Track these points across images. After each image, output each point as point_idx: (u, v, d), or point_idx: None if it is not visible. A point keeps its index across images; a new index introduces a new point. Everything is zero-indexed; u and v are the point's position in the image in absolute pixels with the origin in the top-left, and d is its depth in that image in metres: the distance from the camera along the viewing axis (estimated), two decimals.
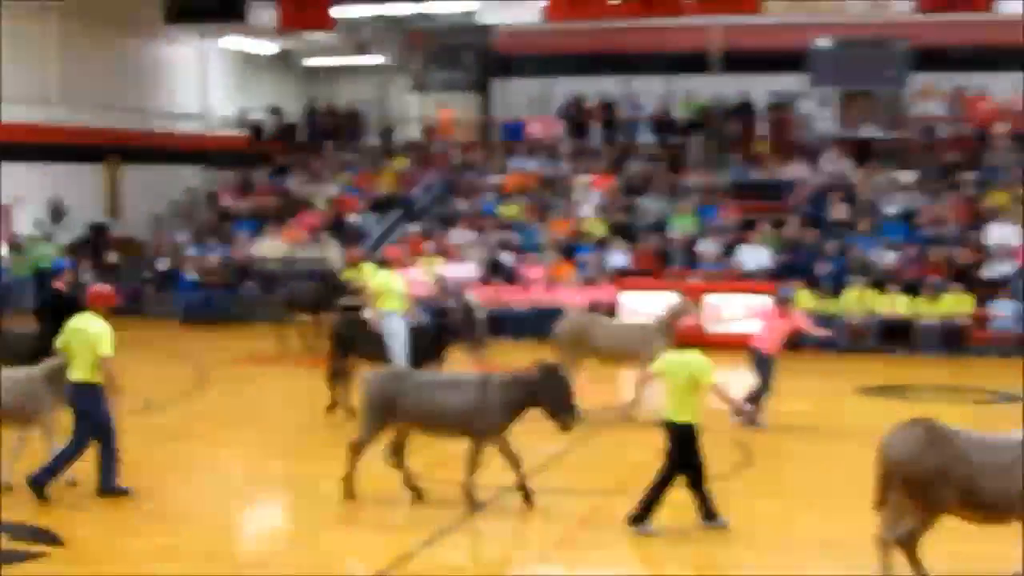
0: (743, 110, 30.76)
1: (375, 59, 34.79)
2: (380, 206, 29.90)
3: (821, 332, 17.39)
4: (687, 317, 15.78)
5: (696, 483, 10.93)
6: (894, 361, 21.97)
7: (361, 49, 34.52)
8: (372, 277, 18.16)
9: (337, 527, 11.29)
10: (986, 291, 23.66)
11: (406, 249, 25.76)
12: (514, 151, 31.45)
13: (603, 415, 15.04)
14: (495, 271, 25.70)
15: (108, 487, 11.84)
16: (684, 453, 10.85)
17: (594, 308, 22.40)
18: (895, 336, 22.92)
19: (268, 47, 35.80)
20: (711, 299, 23.07)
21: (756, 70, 30.29)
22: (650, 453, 11.29)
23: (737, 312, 22.34)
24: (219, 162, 33.61)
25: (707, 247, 25.56)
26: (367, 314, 17.00)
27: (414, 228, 27.91)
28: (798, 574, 9.67)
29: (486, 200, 29.23)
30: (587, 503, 12.18)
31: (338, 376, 16.25)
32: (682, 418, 10.81)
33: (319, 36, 33.71)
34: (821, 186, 27.51)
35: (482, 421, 11.62)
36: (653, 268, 25.48)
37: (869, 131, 29.90)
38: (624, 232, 26.90)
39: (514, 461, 11.66)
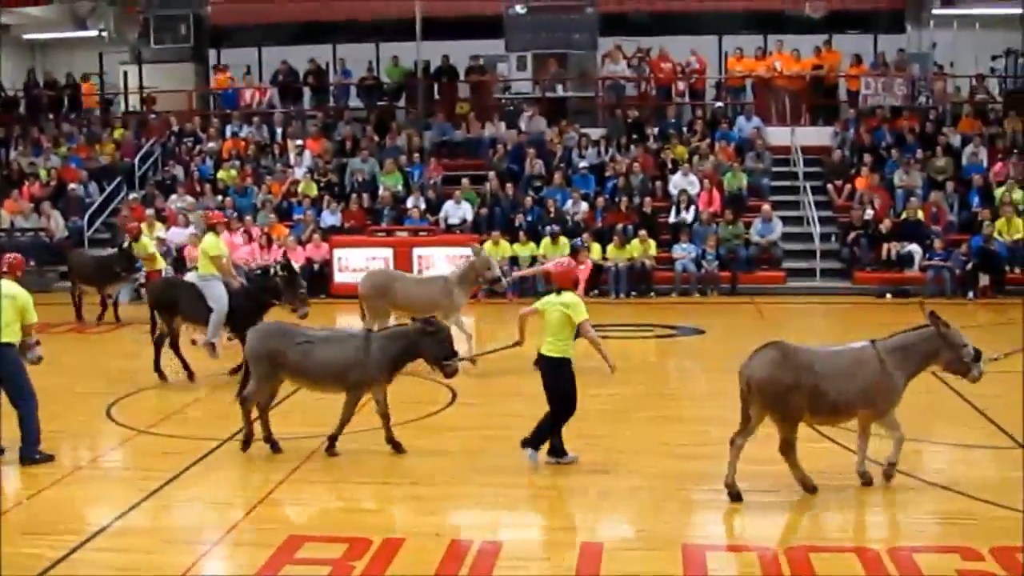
0: (445, 74, 31.69)
1: (93, 32, 34.66)
2: (101, 175, 30.11)
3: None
4: (488, 270, 17.11)
5: (558, 417, 11.73)
6: (587, 302, 23.38)
7: (79, 22, 34.46)
8: (149, 246, 19.34)
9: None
10: (668, 236, 25.89)
11: (129, 215, 26.32)
12: (230, 118, 32.05)
13: None
14: None
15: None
16: (558, 385, 11.69)
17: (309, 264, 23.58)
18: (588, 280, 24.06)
19: None
20: (418, 252, 24.54)
21: (456, 36, 31.04)
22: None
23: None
24: None
25: (414, 203, 26.86)
26: (190, 277, 17.07)
27: (135, 195, 28.32)
28: None
29: (204, 166, 29.78)
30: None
31: (162, 339, 16.34)
32: (555, 352, 11.69)
33: (37, 10, 33.56)
34: (518, 143, 28.96)
35: (363, 374, 12.11)
36: (364, 225, 26.54)
37: (562, 91, 31.43)
38: (335, 192, 28.02)
39: (386, 415, 12.22)
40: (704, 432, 12.93)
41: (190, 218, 25.86)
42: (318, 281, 23.82)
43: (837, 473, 11.57)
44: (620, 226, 25.33)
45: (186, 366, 16.29)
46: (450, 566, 9.12)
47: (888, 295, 23.81)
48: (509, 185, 27.06)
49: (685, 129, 29.63)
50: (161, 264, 22.19)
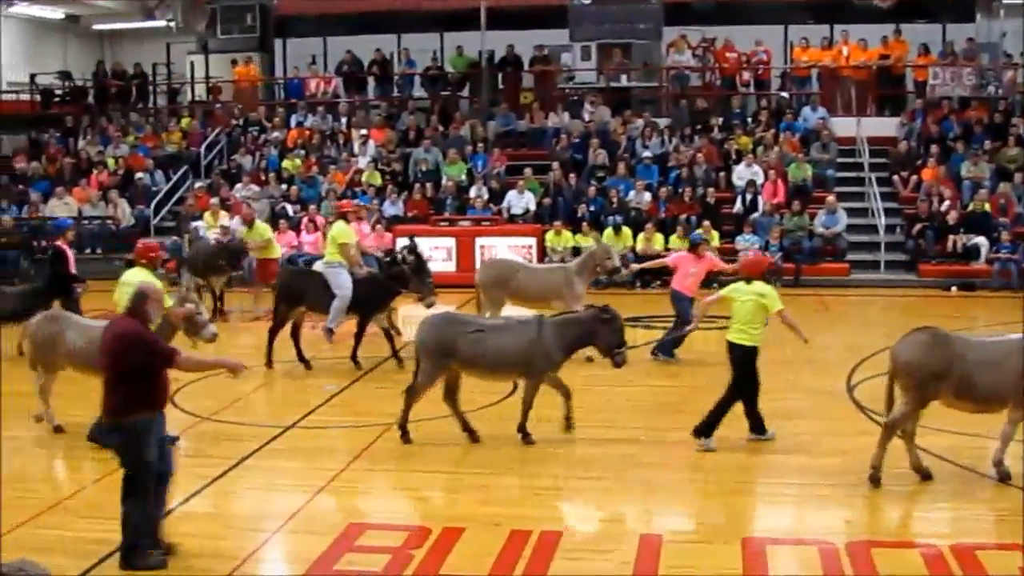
0: (509, 64, 31.69)
1: (161, 22, 35.04)
2: (167, 164, 30.34)
3: (731, 268, 16.82)
4: (608, 260, 17.08)
5: (750, 401, 12.12)
6: (649, 295, 23.14)
7: (148, 13, 34.89)
8: (265, 234, 19.63)
9: None
10: (732, 226, 25.76)
11: (194, 203, 26.61)
12: (295, 108, 32.14)
13: None
14: (279, 222, 26.34)
15: None
16: (744, 373, 12.03)
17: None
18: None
19: (57, 13, 36.01)
20: (481, 241, 24.60)
21: (521, 26, 31.15)
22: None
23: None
24: (10, 127, 33.52)
25: (476, 193, 26.94)
26: (317, 266, 17.14)
27: (200, 184, 28.57)
28: None
29: (269, 155, 29.93)
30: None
31: (279, 328, 16.39)
32: (745, 340, 11.99)
33: (106, 1, 33.96)
34: (581, 133, 28.94)
35: (542, 361, 12.24)
36: (427, 215, 26.61)
37: (626, 81, 31.39)
38: (399, 181, 28.10)
39: (566, 392, 12.36)
40: (767, 425, 12.86)
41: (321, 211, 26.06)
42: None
43: (898, 467, 11.48)
44: (683, 217, 25.25)
45: (301, 357, 16.29)
46: (509, 556, 9.14)
47: (953, 288, 23.57)
48: (572, 175, 27.07)
49: (749, 119, 29.52)
50: (277, 252, 22.21)
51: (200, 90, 34.72)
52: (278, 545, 9.56)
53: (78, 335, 12.49)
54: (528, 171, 27.26)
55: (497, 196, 26.85)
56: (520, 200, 26.31)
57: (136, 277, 12.15)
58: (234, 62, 33.33)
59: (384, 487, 11.25)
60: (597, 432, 12.78)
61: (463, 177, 27.80)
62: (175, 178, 29.60)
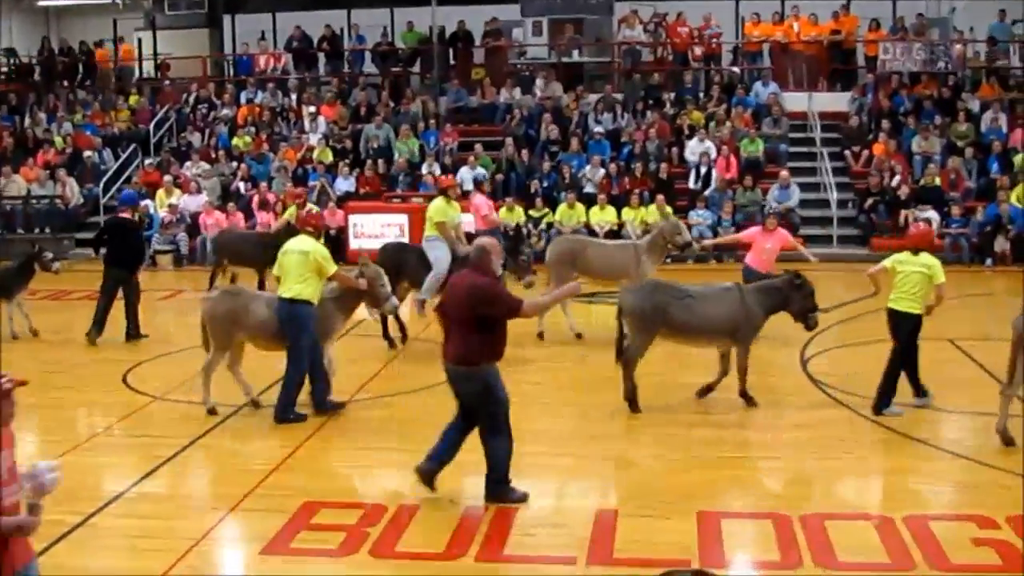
0: (460, 39, 31.50)
1: None
2: (116, 142, 30.05)
3: (804, 251, 17.87)
4: (679, 237, 16.89)
5: (911, 366, 12.46)
6: (722, 270, 22.81)
7: None
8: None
9: None
10: (685, 202, 25.79)
11: (140, 181, 26.42)
12: (245, 84, 31.93)
13: None
14: (230, 200, 26.31)
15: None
16: (911, 340, 12.34)
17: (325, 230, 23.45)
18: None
19: None
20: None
21: (472, 1, 31.12)
22: None
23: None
24: None
25: (428, 169, 26.80)
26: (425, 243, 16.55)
27: (150, 162, 28.31)
28: None
29: (219, 132, 29.70)
30: None
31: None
32: (913, 309, 12.25)
33: None
34: (533, 108, 28.89)
35: (748, 328, 12.64)
36: (379, 191, 26.50)
37: (578, 56, 31.36)
38: (350, 158, 27.94)
39: (737, 368, 12.71)
40: (728, 400, 12.91)
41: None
42: (334, 247, 23.72)
43: (853, 441, 11.57)
44: (636, 192, 25.27)
45: (402, 327, 16.27)
46: (465, 533, 9.14)
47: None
48: (525, 151, 27.04)
49: (701, 95, 29.53)
50: None
51: (148, 67, 34.39)
52: (233, 525, 9.48)
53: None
54: (480, 147, 27.17)
55: (449, 172, 26.74)
56: (472, 176, 26.17)
57: (303, 244, 12.46)
58: None
59: (339, 465, 11.20)
60: (554, 408, 12.80)
61: (415, 153, 27.67)
62: (124, 156, 29.29)
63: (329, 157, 27.70)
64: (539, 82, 29.97)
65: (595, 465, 10.55)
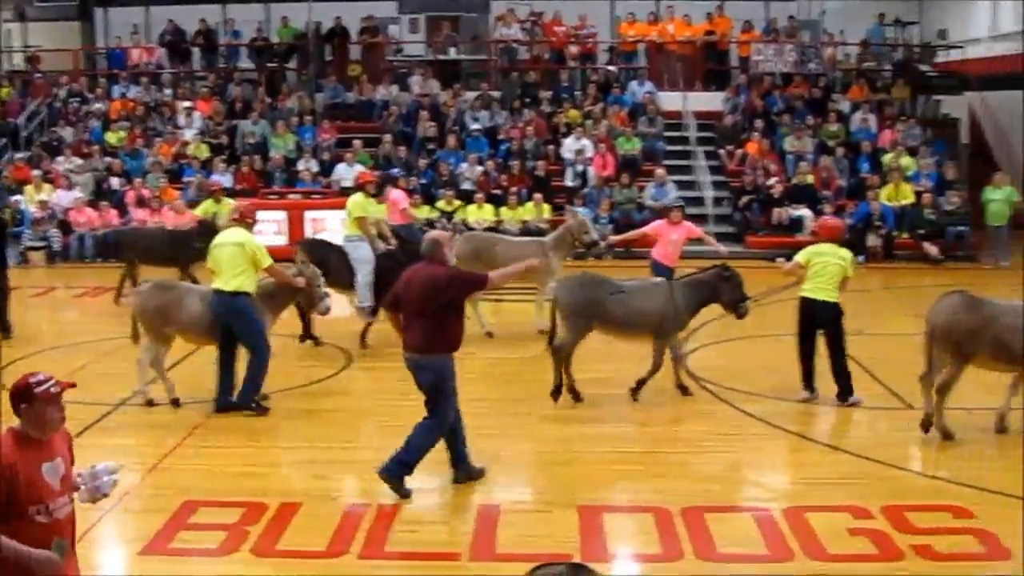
0: (337, 35, 31.21)
1: None
2: None
3: (711, 241, 17.57)
4: (586, 235, 16.85)
5: (832, 357, 12.69)
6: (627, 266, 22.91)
7: None
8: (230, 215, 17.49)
9: None
10: (563, 199, 25.89)
11: (13, 176, 25.83)
12: (117, 79, 31.37)
13: None
14: (102, 196, 25.85)
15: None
16: (839, 326, 12.63)
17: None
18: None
19: None
20: (311, 215, 24.35)
21: None
22: None
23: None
24: None
25: (305, 166, 26.61)
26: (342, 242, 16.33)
27: (20, 156, 27.70)
28: None
29: (92, 127, 29.08)
30: None
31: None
32: (831, 298, 12.57)
33: None
34: (411, 105, 28.76)
35: (676, 322, 12.88)
36: (255, 188, 26.14)
37: (455, 53, 31.25)
38: (226, 154, 27.57)
39: (672, 358, 13.01)
40: (608, 395, 13.01)
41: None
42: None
43: (733, 435, 11.73)
44: (514, 189, 25.34)
45: (309, 334, 15.89)
46: (346, 529, 9.10)
47: (780, 259, 23.94)
48: (402, 148, 26.92)
49: (578, 93, 29.68)
50: None
51: (18, 59, 33.65)
52: (112, 525, 9.30)
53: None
54: (358, 143, 27.01)
55: (326, 169, 26.60)
56: (350, 172, 25.95)
57: (237, 236, 12.39)
58: None
59: (218, 463, 11.03)
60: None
61: (292, 149, 27.45)
62: None
63: (205, 153, 27.31)
64: (416, 79, 29.86)
65: (477, 461, 10.55)
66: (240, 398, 12.34)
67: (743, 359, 14.43)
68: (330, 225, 23.36)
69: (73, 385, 5.92)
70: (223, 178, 26.01)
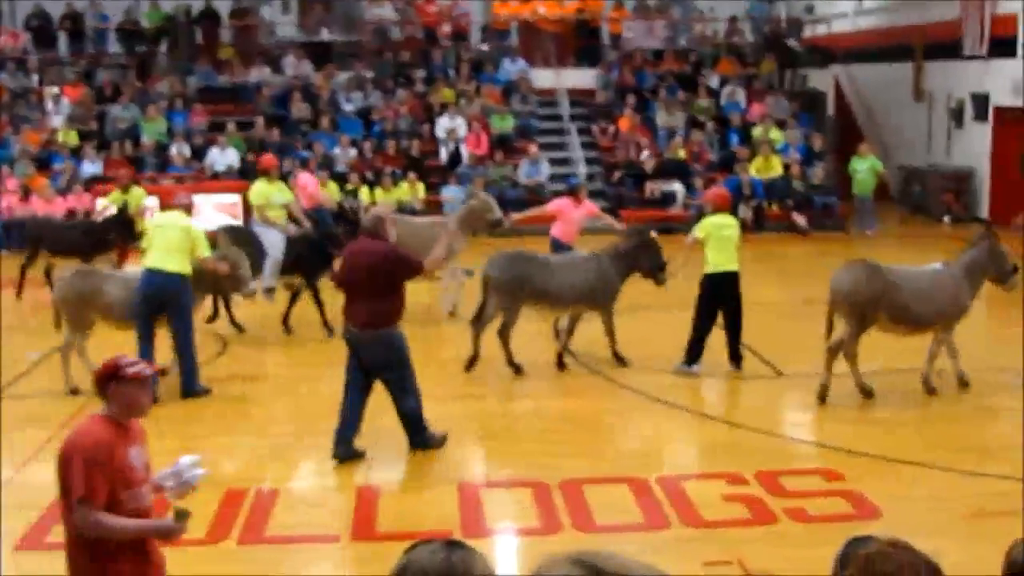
0: (207, 18, 30.87)
1: None
2: None
3: (609, 219, 17.17)
4: (489, 214, 16.64)
5: (734, 324, 12.97)
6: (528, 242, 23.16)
7: None
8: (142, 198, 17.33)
9: None
10: (437, 179, 25.95)
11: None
12: None
13: None
14: None
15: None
16: (732, 298, 12.87)
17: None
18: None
19: None
20: (192, 198, 24.00)
21: None
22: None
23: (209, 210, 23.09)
24: None
25: (178, 151, 26.29)
26: (253, 226, 16.23)
27: None
28: None
29: None
30: None
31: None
32: (730, 267, 12.81)
33: None
34: (283, 88, 28.60)
35: (609, 293, 13.12)
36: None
37: (327, 34, 31.12)
38: (96, 140, 27.18)
39: (611, 330, 13.29)
40: (482, 375, 13.11)
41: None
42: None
43: (608, 408, 11.90)
44: (388, 169, 25.28)
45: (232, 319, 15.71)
46: (226, 516, 9.07)
47: (653, 232, 24.32)
48: (276, 130, 26.71)
49: (451, 72, 29.71)
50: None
51: None
52: None
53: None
54: (231, 127, 26.75)
55: (199, 153, 26.31)
56: (223, 156, 25.82)
57: (181, 220, 12.33)
58: None
59: None
60: (314, 386, 12.73)
61: (163, 134, 27.09)
62: None
63: (74, 139, 26.82)
64: (289, 61, 29.64)
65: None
66: (189, 388, 12.27)
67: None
68: (203, 210, 23.18)
69: (165, 372, 5.86)
70: (93, 165, 25.65)
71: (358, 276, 10.12)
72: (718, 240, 12.84)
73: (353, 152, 25.98)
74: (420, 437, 10.44)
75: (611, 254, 13.38)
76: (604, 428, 11.40)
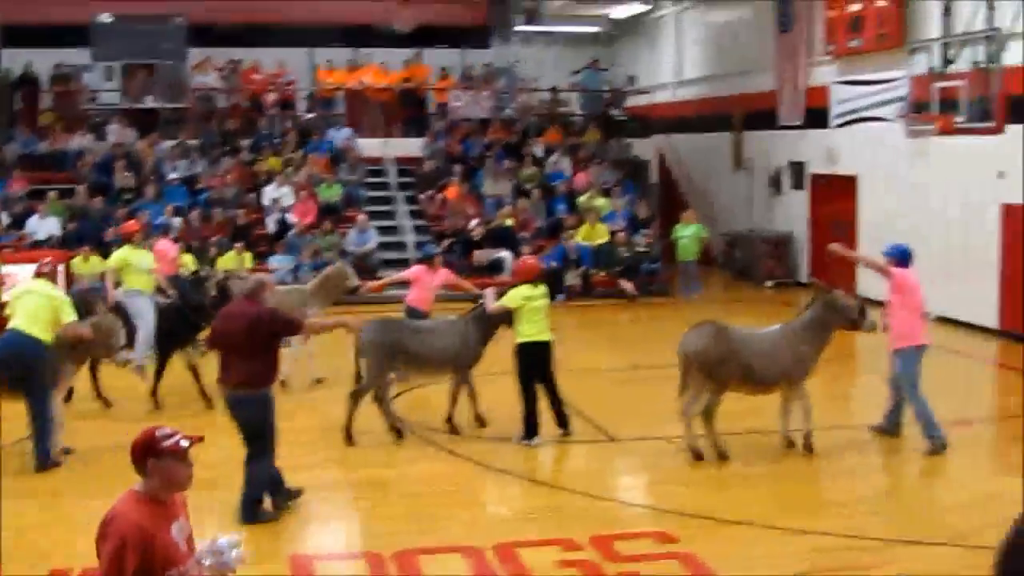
0: (27, 83, 30.27)
1: None
2: None
3: (468, 285, 16.99)
4: (347, 281, 16.73)
5: (551, 390, 13.09)
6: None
7: None
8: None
9: None
10: (265, 247, 25.73)
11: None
12: None
13: None
14: None
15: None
16: (546, 366, 12.91)
17: None
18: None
19: None
20: (6, 269, 23.45)
21: (40, 44, 29.73)
22: None
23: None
24: None
25: None
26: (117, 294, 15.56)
27: None
28: None
29: None
30: None
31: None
32: (542, 337, 12.86)
33: None
34: (106, 155, 28.10)
35: (469, 357, 13.31)
36: None
37: (151, 102, 30.72)
38: None
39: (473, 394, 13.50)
40: (311, 442, 13.02)
41: None
42: None
43: (439, 475, 11.91)
44: (215, 239, 25.02)
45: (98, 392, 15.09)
46: None
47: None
48: (99, 198, 26.22)
49: (278, 140, 29.60)
50: None
51: None
52: None
53: None
54: (52, 194, 26.15)
55: (19, 221, 25.65)
56: (43, 225, 25.21)
57: (46, 288, 12.38)
58: None
59: None
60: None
61: None
62: None
63: None
64: (113, 128, 29.19)
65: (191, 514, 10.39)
66: (42, 463, 12.08)
67: (443, 401, 14.58)
68: (24, 279, 22.62)
69: (201, 439, 5.54)
70: None
71: (235, 338, 10.18)
72: (528, 311, 12.93)
73: (178, 221, 25.61)
74: (254, 509, 10.37)
75: (475, 318, 13.46)
76: (435, 496, 11.37)
